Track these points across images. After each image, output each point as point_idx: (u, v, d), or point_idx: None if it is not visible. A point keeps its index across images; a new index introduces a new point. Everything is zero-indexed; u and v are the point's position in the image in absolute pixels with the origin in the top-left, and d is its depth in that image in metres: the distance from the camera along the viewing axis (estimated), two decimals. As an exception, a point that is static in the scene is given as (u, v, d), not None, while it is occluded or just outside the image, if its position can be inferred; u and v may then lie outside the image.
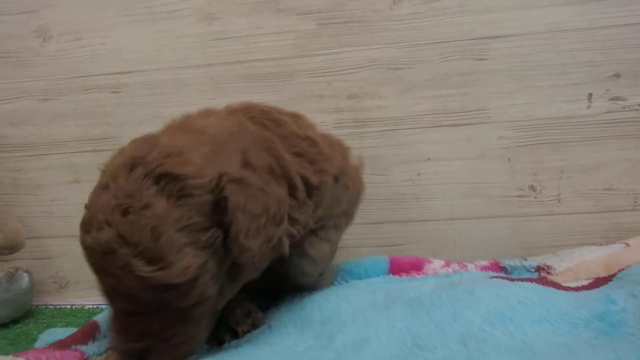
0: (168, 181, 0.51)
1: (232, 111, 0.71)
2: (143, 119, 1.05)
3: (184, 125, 0.63)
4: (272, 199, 0.56)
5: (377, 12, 0.98)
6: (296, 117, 0.74)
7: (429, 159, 0.99)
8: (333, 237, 0.75)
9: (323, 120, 1.00)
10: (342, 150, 0.79)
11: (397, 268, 0.85)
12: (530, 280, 0.71)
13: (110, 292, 0.53)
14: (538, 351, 0.52)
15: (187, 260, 0.50)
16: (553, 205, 0.97)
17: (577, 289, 0.67)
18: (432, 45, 0.97)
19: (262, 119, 0.68)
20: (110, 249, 0.49)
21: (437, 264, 0.85)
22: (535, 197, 0.97)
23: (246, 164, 0.58)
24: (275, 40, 1.01)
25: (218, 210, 0.53)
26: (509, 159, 0.97)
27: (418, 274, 0.83)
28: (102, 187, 0.52)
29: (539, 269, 0.81)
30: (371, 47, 0.99)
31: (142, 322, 0.52)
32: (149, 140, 0.57)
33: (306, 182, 0.65)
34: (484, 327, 0.58)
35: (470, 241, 0.99)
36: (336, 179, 0.72)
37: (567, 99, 0.95)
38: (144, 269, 0.48)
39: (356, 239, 0.99)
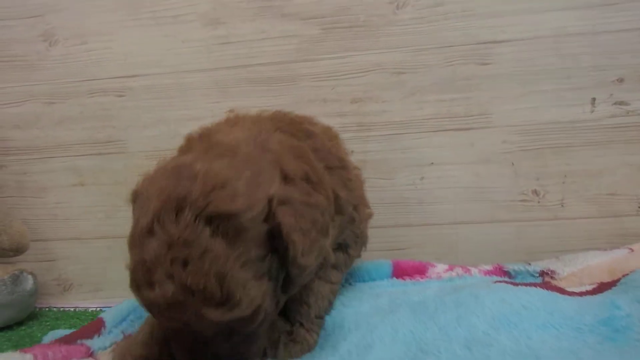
0: (221, 221, 0.48)
1: (258, 120, 0.68)
2: (148, 122, 1.05)
3: (211, 143, 0.59)
4: (316, 210, 0.55)
5: (381, 16, 0.98)
6: (328, 129, 0.75)
7: (432, 163, 0.99)
8: (333, 277, 0.71)
9: (327, 124, 1.01)
10: (360, 182, 0.78)
11: (401, 272, 0.84)
12: (534, 285, 0.71)
13: (177, 334, 0.52)
14: (543, 356, 0.52)
15: (253, 293, 0.50)
16: (556, 210, 0.97)
17: (581, 294, 0.67)
18: (436, 49, 0.97)
19: (291, 129, 0.66)
20: (177, 302, 0.47)
21: (440, 268, 0.85)
22: (539, 202, 0.97)
23: (285, 177, 0.56)
24: (279, 45, 1.01)
25: (273, 236, 0.51)
26: (513, 164, 0.97)
27: (422, 278, 0.83)
28: (148, 232, 0.49)
29: (542, 273, 0.81)
30: (375, 51, 0.99)
31: (211, 346, 0.52)
32: (184, 172, 0.52)
33: (336, 196, 0.64)
34: (489, 332, 0.58)
35: (473, 246, 0.99)
36: (355, 209, 0.72)
37: (570, 104, 0.95)
38: (214, 313, 0.48)
39: (359, 243, 0.99)
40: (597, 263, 0.76)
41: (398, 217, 1.00)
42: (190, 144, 0.62)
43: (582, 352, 0.52)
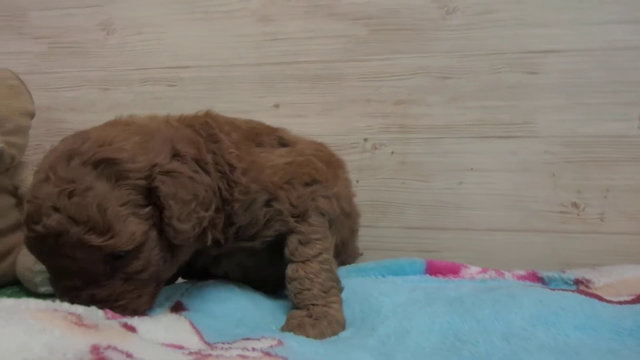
0: (105, 166, 0.56)
1: (166, 118, 0.72)
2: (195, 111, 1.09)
3: (111, 122, 0.66)
4: (200, 185, 0.61)
5: (430, 21, 0.99)
6: (244, 142, 0.74)
7: (472, 168, 0.99)
8: (310, 251, 0.72)
9: (369, 124, 1.03)
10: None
11: (434, 270, 0.84)
12: (570, 291, 0.71)
13: (61, 272, 0.57)
14: (582, 353, 0.52)
15: (132, 228, 0.56)
16: (596, 223, 0.96)
17: (619, 302, 0.66)
18: (483, 56, 0.98)
19: (200, 129, 0.70)
20: (62, 231, 0.53)
21: (473, 269, 0.85)
22: (578, 215, 0.97)
23: (176, 153, 0.62)
24: (326, 44, 1.04)
25: (152, 194, 0.58)
26: (554, 174, 0.97)
27: (455, 277, 0.83)
28: (42, 180, 0.56)
29: (577, 282, 0.80)
30: (421, 55, 1.00)
31: (91, 290, 0.57)
32: (79, 135, 0.60)
33: (221, 193, 0.67)
34: (527, 328, 0.58)
35: (507, 253, 0.99)
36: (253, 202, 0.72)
37: (617, 118, 0.94)
38: (96, 241, 0.54)
39: (392, 242, 1.01)
40: (635, 276, 0.75)
41: (433, 219, 1.01)
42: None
43: (622, 354, 0.51)
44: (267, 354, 0.51)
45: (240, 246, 0.73)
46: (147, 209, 0.58)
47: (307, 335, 0.63)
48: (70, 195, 0.54)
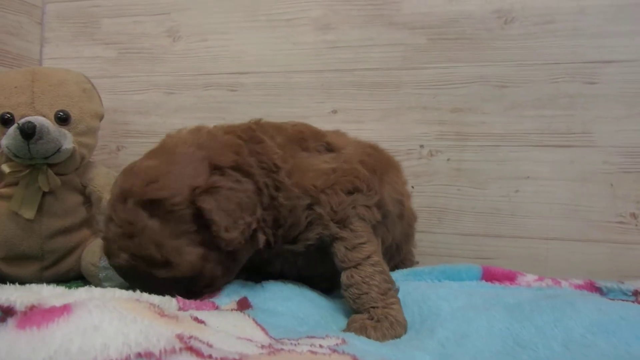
0: (153, 206, 0.63)
1: (210, 129, 0.76)
2: (255, 116, 1.12)
3: (153, 151, 0.72)
4: (241, 193, 0.66)
5: (489, 30, 1.01)
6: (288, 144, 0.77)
7: (528, 177, 1.00)
8: (358, 254, 0.73)
9: (425, 131, 1.04)
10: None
11: (490, 276, 0.84)
12: (630, 301, 0.70)
13: (145, 290, 0.64)
14: None
15: (190, 257, 0.64)
16: (655, 235, 0.95)
17: (684, 315, 0.66)
18: (541, 65, 0.99)
19: (242, 133, 0.74)
20: (131, 266, 0.63)
21: (530, 277, 0.85)
22: (636, 225, 0.96)
23: (214, 167, 0.67)
24: (385, 52, 1.06)
25: (199, 217, 0.63)
26: (612, 185, 0.97)
27: (511, 284, 0.84)
28: (108, 220, 0.65)
29: (636, 293, 0.79)
30: (479, 63, 1.01)
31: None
32: (131, 171, 0.68)
33: (268, 190, 0.71)
34: (586, 335, 0.58)
35: (563, 262, 0.98)
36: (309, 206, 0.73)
37: (677, 129, 0.93)
38: (161, 273, 0.63)
39: (448, 249, 1.02)
40: (699, 290, 0.75)
41: (488, 226, 1.02)
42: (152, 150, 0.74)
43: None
44: (335, 351, 0.52)
45: (286, 249, 0.75)
46: (199, 234, 0.64)
47: (369, 337, 0.64)
48: (131, 236, 0.63)
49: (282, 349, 0.51)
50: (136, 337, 0.40)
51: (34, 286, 0.55)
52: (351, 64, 1.08)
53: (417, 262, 0.97)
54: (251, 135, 0.74)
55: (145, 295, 0.60)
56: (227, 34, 1.15)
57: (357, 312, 0.70)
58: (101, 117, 1.07)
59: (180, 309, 0.59)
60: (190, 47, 1.17)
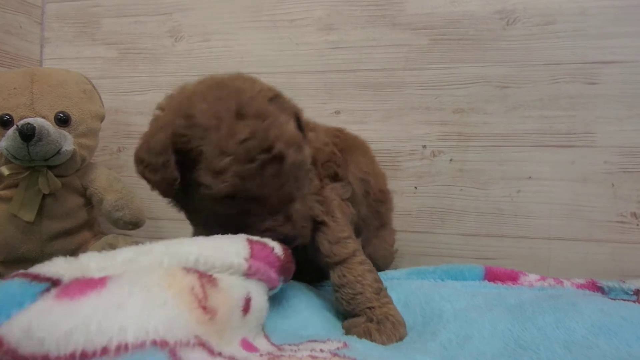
0: (275, 100, 0.65)
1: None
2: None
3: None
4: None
5: (491, 31, 1.01)
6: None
7: (530, 177, 1.01)
8: (342, 249, 0.73)
9: (427, 131, 1.05)
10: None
11: (493, 276, 0.85)
12: (631, 301, 0.71)
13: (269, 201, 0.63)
14: None
15: (307, 151, 0.65)
16: (656, 234, 0.96)
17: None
18: (543, 66, 0.99)
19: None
20: (269, 147, 0.61)
21: (532, 277, 0.85)
22: (638, 225, 0.97)
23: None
24: (388, 53, 1.06)
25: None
26: (613, 184, 0.97)
27: (513, 284, 0.84)
28: (237, 117, 0.60)
29: (637, 292, 0.80)
30: (481, 64, 1.02)
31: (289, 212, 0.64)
32: (221, 87, 0.67)
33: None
34: (588, 337, 0.58)
35: (565, 262, 0.99)
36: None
37: (679, 129, 0.94)
38: (292, 152, 0.62)
39: (450, 249, 1.03)
40: (700, 288, 0.75)
41: (491, 227, 1.03)
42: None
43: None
44: (336, 354, 0.51)
45: None
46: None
47: (374, 341, 0.63)
48: (277, 126, 0.61)
49: (281, 356, 0.50)
50: (156, 325, 0.39)
51: (83, 257, 0.52)
52: (354, 64, 1.08)
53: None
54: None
55: (205, 253, 0.51)
56: (230, 35, 1.15)
57: (351, 313, 0.68)
58: (102, 118, 1.07)
59: (250, 256, 0.55)
60: (193, 47, 1.17)
